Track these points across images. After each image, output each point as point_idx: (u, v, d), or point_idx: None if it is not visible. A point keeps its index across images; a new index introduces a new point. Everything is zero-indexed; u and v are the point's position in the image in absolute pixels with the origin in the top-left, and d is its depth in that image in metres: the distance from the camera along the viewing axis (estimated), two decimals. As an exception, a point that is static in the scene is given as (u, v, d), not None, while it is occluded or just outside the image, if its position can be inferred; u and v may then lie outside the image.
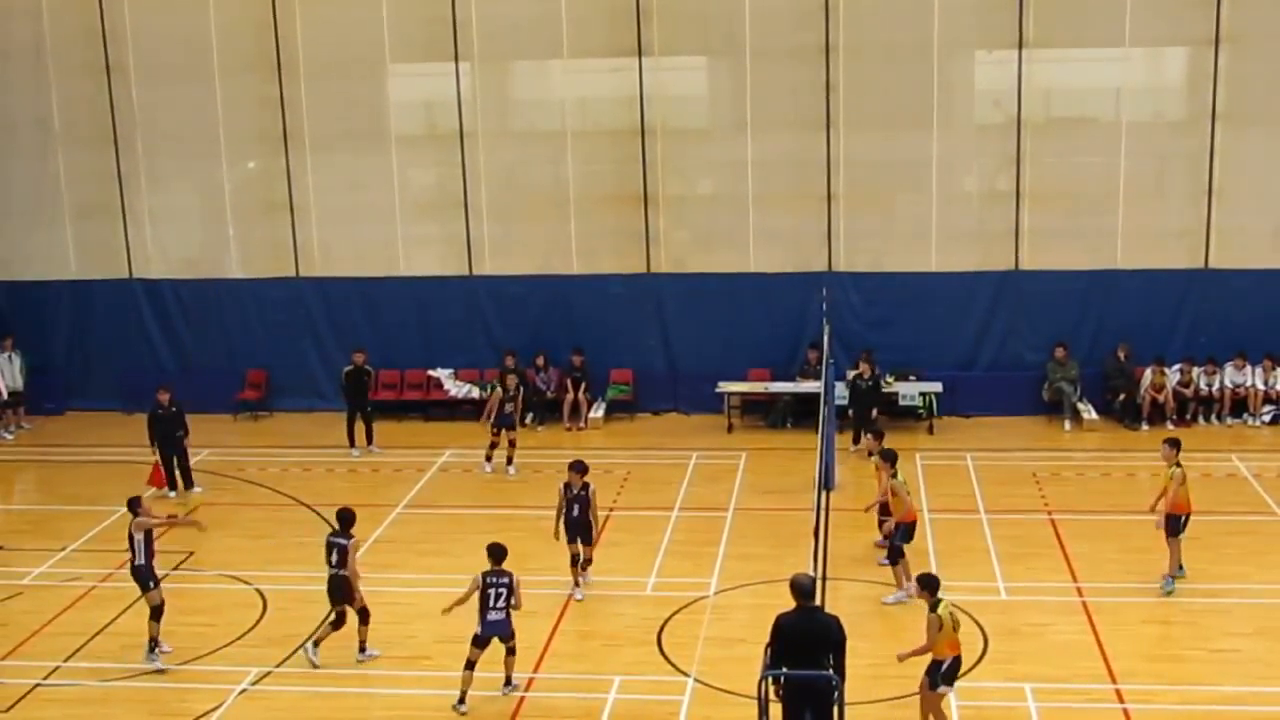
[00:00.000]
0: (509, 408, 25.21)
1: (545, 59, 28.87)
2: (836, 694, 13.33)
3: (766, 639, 13.83)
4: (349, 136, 29.04)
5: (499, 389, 25.50)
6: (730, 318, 28.40)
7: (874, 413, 26.22)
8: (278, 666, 17.73)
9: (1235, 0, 26.68)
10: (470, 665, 16.43)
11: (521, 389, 25.92)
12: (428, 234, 29.40)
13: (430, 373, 29.00)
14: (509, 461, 25.31)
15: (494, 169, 28.86)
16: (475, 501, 24.07)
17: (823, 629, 13.79)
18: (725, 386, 28.07)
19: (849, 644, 13.87)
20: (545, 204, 28.78)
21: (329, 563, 17.71)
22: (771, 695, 13.75)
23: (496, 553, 16.66)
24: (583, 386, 28.38)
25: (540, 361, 28.56)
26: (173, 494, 24.43)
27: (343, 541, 17.63)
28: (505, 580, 16.51)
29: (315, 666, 17.53)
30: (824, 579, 15.84)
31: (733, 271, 28.43)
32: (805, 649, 13.65)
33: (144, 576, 17.83)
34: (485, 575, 16.53)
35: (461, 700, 16.38)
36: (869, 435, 22.85)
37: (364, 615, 17.76)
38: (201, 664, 17.87)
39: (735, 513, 22.91)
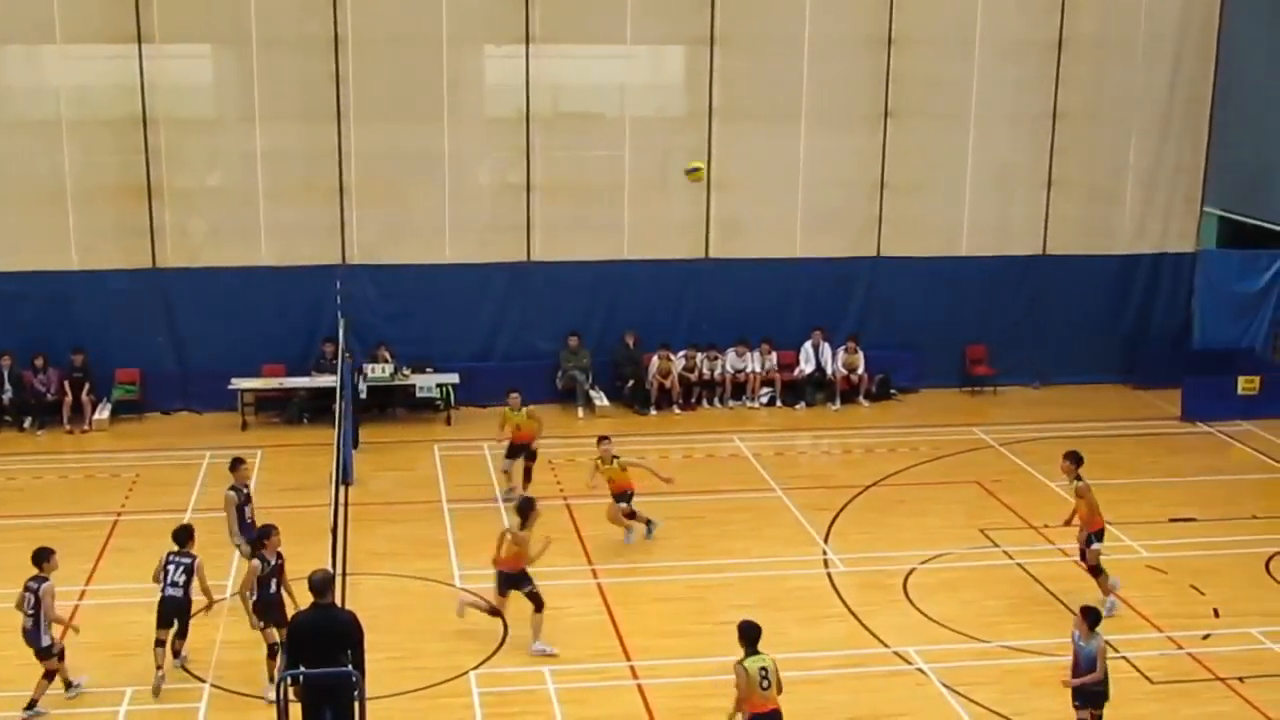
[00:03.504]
0: None
1: (36, 44, 27.30)
2: (356, 690, 13.26)
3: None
4: None
5: None
6: (242, 312, 27.67)
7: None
8: None
9: (726, 3, 28.08)
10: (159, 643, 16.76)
11: None
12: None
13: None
14: None
15: (-17, 159, 27.14)
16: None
17: (339, 625, 13.70)
18: (238, 383, 27.37)
19: (367, 639, 13.81)
20: (40, 196, 27.16)
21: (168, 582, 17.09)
22: (291, 695, 13.55)
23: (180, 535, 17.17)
24: (86, 387, 27.05)
25: (39, 363, 27.03)
26: None
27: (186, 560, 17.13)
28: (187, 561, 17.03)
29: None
30: (343, 575, 15.76)
31: (244, 265, 27.73)
32: (323, 647, 13.52)
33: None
34: (169, 554, 17.05)
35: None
36: (515, 394, 23.56)
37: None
38: None
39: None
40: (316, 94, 27.36)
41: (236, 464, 19.09)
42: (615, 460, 21.33)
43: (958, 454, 25.82)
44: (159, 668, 16.69)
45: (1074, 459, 19.20)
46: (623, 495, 21.36)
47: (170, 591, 16.94)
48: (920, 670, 17.39)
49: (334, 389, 23.61)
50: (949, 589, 19.76)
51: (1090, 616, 15.15)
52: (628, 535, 21.44)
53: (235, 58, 27.71)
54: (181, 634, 17.15)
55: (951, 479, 24.43)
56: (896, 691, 17.02)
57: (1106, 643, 15.38)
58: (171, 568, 17.01)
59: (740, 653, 14.35)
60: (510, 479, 23.26)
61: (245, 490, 18.98)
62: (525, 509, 18.24)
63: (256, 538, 17.10)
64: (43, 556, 16.46)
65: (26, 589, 16.23)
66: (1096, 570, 19.00)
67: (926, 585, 19.88)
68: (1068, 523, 19.45)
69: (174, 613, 16.98)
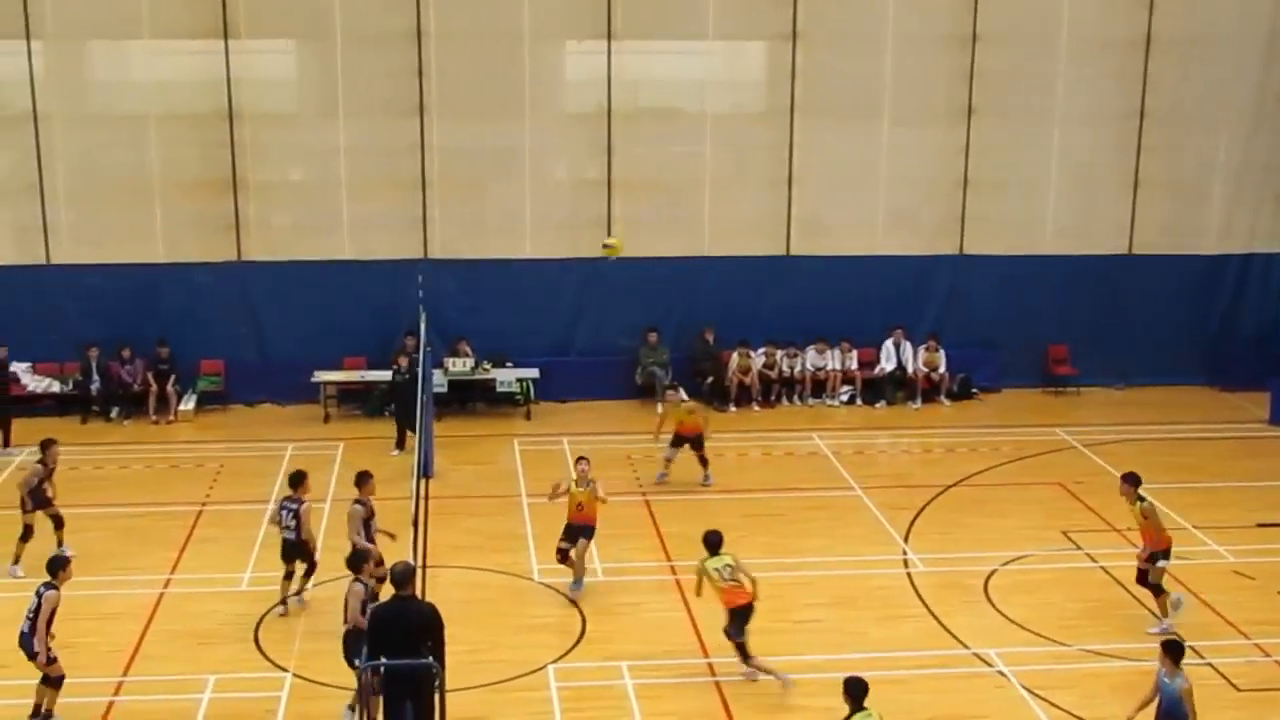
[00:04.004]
0: (47, 487, 20.29)
1: (124, 39, 27.67)
2: (437, 681, 13.32)
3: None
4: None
5: (36, 464, 20.37)
6: (324, 306, 27.94)
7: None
8: None
9: (809, -2, 28.06)
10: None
11: (57, 462, 20.68)
12: (-1, 221, 27.80)
13: (5, 367, 27.41)
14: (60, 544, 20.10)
15: (71, 153, 27.46)
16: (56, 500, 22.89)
17: (420, 617, 13.76)
18: (321, 376, 27.62)
19: (447, 631, 13.87)
20: (127, 190, 27.59)
21: (282, 525, 18.38)
22: (374, 686, 13.63)
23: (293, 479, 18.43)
24: (171, 379, 27.40)
25: (125, 354, 27.42)
26: None
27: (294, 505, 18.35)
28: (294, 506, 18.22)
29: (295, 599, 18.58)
30: (423, 567, 15.83)
31: (326, 259, 27.97)
32: (404, 638, 13.59)
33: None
34: (283, 499, 18.40)
35: None
36: (680, 390, 23.98)
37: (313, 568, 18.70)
38: None
39: (333, 504, 22.30)
40: (399, 89, 27.54)
41: (363, 478, 18.47)
42: (590, 485, 19.34)
43: (1039, 455, 25.56)
44: (282, 600, 18.45)
45: (1132, 481, 18.55)
46: (587, 528, 19.40)
47: (286, 535, 18.43)
48: (1000, 672, 17.22)
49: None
50: (1030, 591, 19.55)
51: (1173, 651, 14.27)
52: (576, 585, 19.30)
53: (319, 53, 27.94)
54: (308, 573, 18.45)
55: (1033, 480, 24.18)
56: (976, 693, 16.86)
57: (1191, 647, 15.03)
58: (284, 513, 18.38)
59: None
60: (668, 466, 23.58)
61: (368, 504, 18.42)
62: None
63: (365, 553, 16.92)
64: (58, 565, 15.94)
65: (36, 593, 15.70)
66: (1158, 589, 18.50)
67: (1007, 587, 19.69)
68: (1143, 557, 18.58)
69: (292, 554, 18.49)
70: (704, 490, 23.32)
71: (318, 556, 18.90)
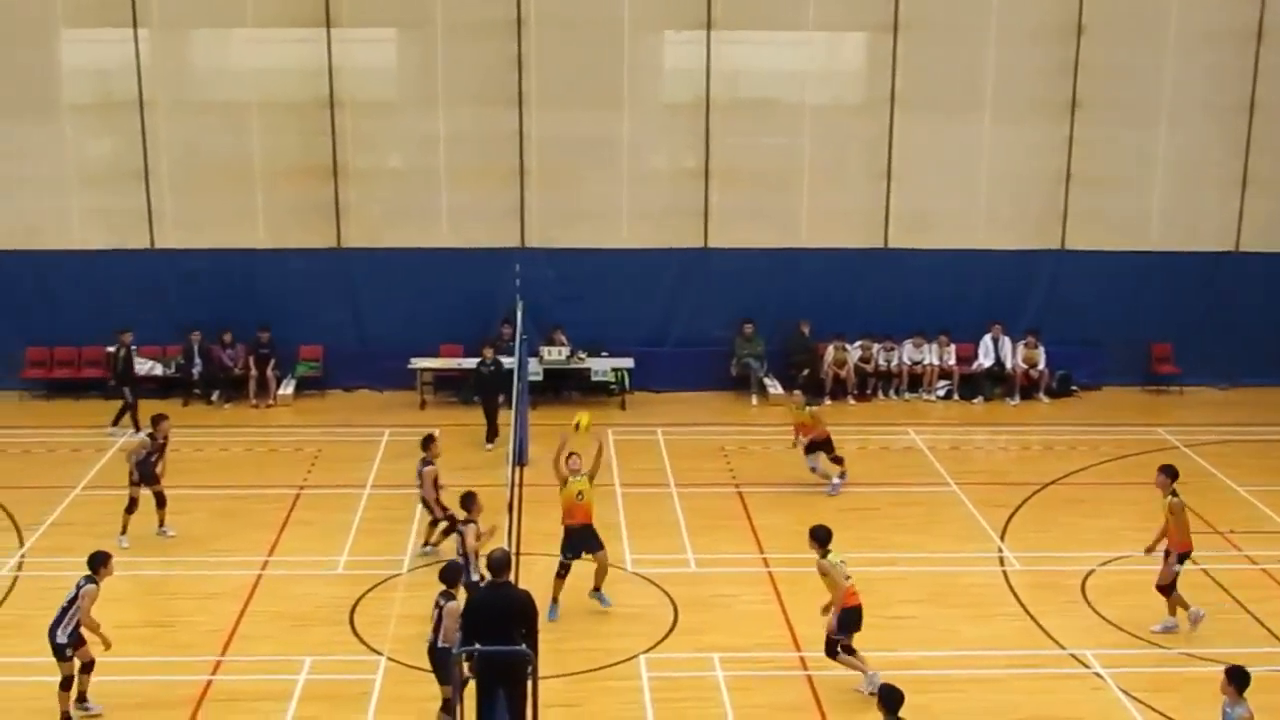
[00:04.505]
0: (156, 461, 20.71)
1: (228, 27, 28.06)
2: (530, 668, 13.36)
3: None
4: (16, 104, 27.58)
5: (145, 437, 21.20)
6: (422, 293, 28.12)
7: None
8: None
9: (911, -12, 27.79)
10: None
11: (168, 438, 21.03)
12: (104, 206, 28.11)
13: (109, 349, 27.81)
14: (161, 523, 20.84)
15: (175, 139, 27.87)
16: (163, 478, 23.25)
17: (515, 604, 13.81)
18: (418, 362, 27.81)
19: (540, 619, 13.91)
20: (230, 176, 27.94)
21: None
22: (465, 671, 13.70)
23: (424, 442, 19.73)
24: (271, 363, 27.72)
25: (227, 338, 27.79)
26: None
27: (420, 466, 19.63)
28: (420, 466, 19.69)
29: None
30: (517, 554, 15.89)
31: (424, 246, 28.15)
32: (499, 625, 13.64)
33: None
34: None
35: None
36: (797, 392, 23.65)
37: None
38: None
39: (428, 490, 22.72)
40: (498, 78, 27.65)
41: (429, 440, 19.95)
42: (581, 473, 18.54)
43: (1140, 454, 25.12)
44: (425, 542, 20.03)
45: (1169, 473, 18.15)
46: (588, 531, 18.45)
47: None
48: (1097, 674, 16.99)
49: (511, 370, 23.82)
50: (1129, 592, 19.19)
51: (1237, 679, 13.37)
52: (552, 610, 18.23)
53: (419, 41, 28.11)
54: (447, 531, 19.27)
55: (1133, 480, 23.71)
56: (1071, 694, 16.63)
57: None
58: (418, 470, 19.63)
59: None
60: (825, 476, 23.01)
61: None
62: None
63: (462, 504, 17.67)
64: (99, 561, 15.79)
65: (76, 585, 15.56)
66: (1169, 590, 17.99)
67: (1105, 587, 19.41)
68: (1150, 550, 18.29)
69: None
70: (797, 482, 23.11)
71: (438, 514, 19.78)
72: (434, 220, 28.26)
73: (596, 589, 18.36)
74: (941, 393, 28.70)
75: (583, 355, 27.71)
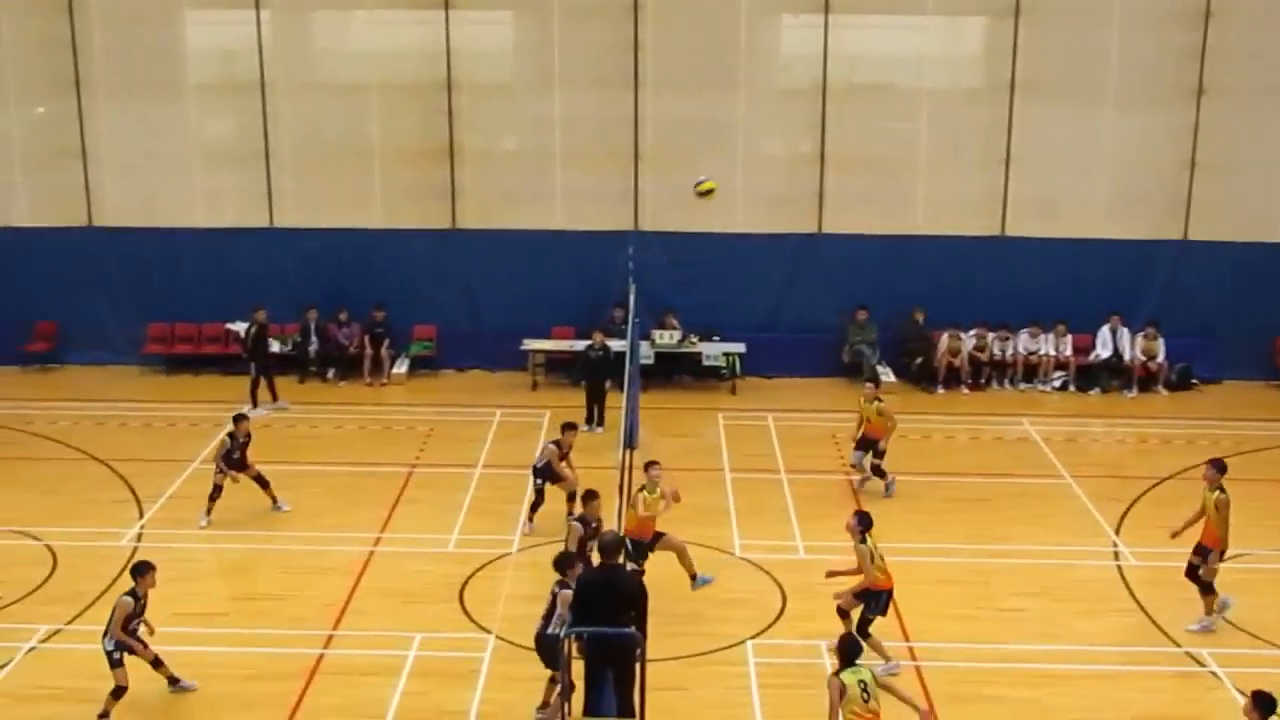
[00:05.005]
0: (237, 454, 20.77)
1: (348, 9, 28.39)
2: (639, 651, 13.38)
3: (569, 597, 13.82)
4: (144, 83, 28.12)
5: (225, 438, 21.09)
6: (535, 275, 28.24)
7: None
8: (67, 624, 17.23)
9: (1033, -28, 27.39)
10: None
11: (250, 434, 21.09)
12: (226, 185, 28.62)
13: (228, 326, 28.29)
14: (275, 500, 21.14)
15: (296, 120, 28.26)
16: (273, 457, 23.49)
17: (625, 587, 13.83)
18: (530, 344, 27.96)
19: (650, 602, 13.91)
20: (348, 156, 28.28)
21: None
22: (574, 652, 13.75)
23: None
24: (385, 342, 28.01)
25: (342, 317, 28.13)
26: None
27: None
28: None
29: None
30: (628, 537, 15.91)
31: (538, 228, 28.27)
32: (607, 607, 13.67)
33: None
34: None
35: None
36: (868, 384, 23.09)
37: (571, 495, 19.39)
38: (-15, 623, 17.27)
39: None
40: (614, 61, 27.66)
41: (567, 427, 20.90)
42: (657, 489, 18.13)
43: (1263, 450, 24.61)
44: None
45: (1218, 467, 17.66)
46: (654, 540, 18.17)
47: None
48: (1213, 673, 16.68)
49: (623, 353, 23.85)
50: (1248, 591, 18.75)
51: (1262, 704, 12.65)
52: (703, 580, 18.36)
53: (537, 24, 28.21)
54: (571, 497, 19.27)
55: (1255, 476, 23.20)
56: (1186, 692, 16.37)
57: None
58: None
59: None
60: (861, 470, 22.48)
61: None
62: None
63: (583, 499, 17.67)
64: (140, 570, 15.47)
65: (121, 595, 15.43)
66: (1208, 588, 17.61)
67: (1224, 585, 18.97)
68: (1176, 535, 17.87)
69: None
70: (907, 471, 22.80)
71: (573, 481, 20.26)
72: (548, 202, 28.37)
73: (693, 576, 18.17)
74: (1057, 383, 28.29)
75: (694, 339, 27.69)
